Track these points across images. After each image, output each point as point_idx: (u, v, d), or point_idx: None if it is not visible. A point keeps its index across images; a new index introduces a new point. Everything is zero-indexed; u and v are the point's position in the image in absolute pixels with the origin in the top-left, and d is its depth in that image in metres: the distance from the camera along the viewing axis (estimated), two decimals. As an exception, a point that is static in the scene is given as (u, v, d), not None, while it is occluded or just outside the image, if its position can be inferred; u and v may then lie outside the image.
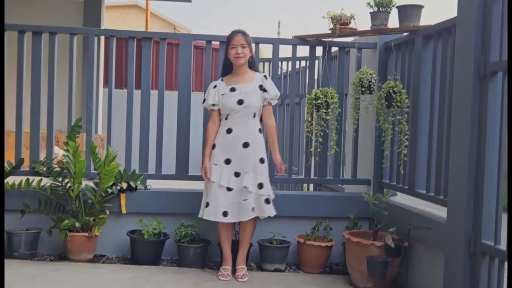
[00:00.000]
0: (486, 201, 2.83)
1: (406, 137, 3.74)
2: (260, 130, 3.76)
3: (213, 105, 3.75)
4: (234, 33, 3.73)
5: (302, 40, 4.27)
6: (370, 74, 3.96)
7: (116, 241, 4.12)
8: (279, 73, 6.98)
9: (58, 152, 6.39)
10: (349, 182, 4.37)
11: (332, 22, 4.04)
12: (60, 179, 3.93)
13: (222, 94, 3.72)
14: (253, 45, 3.90)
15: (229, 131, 3.71)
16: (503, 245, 2.70)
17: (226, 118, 3.74)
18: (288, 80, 7.06)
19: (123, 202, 4.07)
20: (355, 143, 4.33)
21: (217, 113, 3.78)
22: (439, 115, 3.40)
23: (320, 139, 4.14)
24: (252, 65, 3.79)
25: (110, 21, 14.56)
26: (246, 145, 3.68)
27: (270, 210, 3.71)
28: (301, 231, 4.18)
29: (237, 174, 3.67)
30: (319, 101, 4.00)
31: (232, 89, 3.72)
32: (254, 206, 3.66)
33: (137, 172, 4.12)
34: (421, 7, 3.75)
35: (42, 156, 4.21)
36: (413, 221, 3.47)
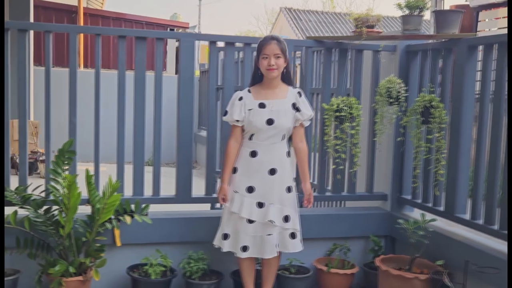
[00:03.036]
0: None
1: (443, 155, 3.43)
2: (288, 154, 3.27)
3: (237, 121, 3.18)
4: (267, 40, 3.14)
5: (317, 41, 3.78)
6: (399, 84, 3.59)
7: (111, 278, 3.49)
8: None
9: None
10: (365, 197, 4.02)
11: (357, 24, 3.59)
12: (42, 211, 3.23)
13: (249, 109, 3.16)
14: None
15: (253, 154, 3.19)
16: None
17: (250, 138, 3.20)
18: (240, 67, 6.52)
19: (117, 233, 3.44)
20: (372, 156, 3.96)
21: (241, 130, 3.21)
22: (491, 137, 3.10)
23: (343, 155, 3.72)
24: (287, 77, 3.24)
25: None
26: (272, 171, 3.18)
27: (295, 246, 3.26)
28: (316, 253, 3.80)
29: (260, 205, 3.17)
30: (342, 113, 3.57)
31: (261, 105, 3.16)
32: (278, 242, 3.21)
33: (129, 195, 3.51)
34: (461, 12, 3.40)
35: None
36: (462, 253, 3.20)
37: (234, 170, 3.23)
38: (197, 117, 10.46)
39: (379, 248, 3.77)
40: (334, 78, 4.08)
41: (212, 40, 3.60)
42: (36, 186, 3.35)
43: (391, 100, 3.57)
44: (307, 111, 3.24)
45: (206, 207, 4.94)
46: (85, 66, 10.02)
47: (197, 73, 11.56)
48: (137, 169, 3.57)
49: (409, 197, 3.88)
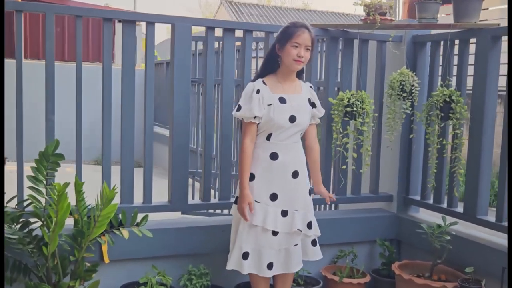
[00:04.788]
0: None
1: (461, 153, 3.22)
2: (304, 154, 2.94)
3: (255, 117, 2.76)
4: (300, 28, 2.74)
5: (322, 29, 3.45)
6: (412, 76, 3.33)
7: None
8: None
9: None
10: (371, 199, 3.74)
11: (369, 11, 3.29)
12: (17, 226, 2.70)
13: (269, 104, 2.76)
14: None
15: (274, 156, 2.79)
16: None
17: (268, 139, 2.80)
18: (198, 60, 6.17)
19: (104, 248, 2.97)
20: (377, 155, 3.69)
21: (256, 128, 2.80)
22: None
23: (354, 154, 3.42)
24: (300, 71, 2.88)
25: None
26: (295, 174, 2.82)
27: (316, 253, 2.95)
28: (322, 261, 3.45)
29: (284, 213, 2.81)
30: (354, 109, 3.27)
31: (282, 100, 2.78)
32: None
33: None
34: (482, 0, 3.18)
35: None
36: (490, 258, 2.99)
37: (251, 177, 2.81)
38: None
39: (391, 253, 3.51)
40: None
41: (210, 26, 3.19)
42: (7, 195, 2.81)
43: (404, 95, 3.31)
44: (321, 107, 2.96)
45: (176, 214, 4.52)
46: (25, 56, 9.11)
47: (142, 65, 10.96)
48: (125, 173, 3.10)
49: (417, 197, 3.65)
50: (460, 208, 3.32)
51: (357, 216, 3.66)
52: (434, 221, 3.40)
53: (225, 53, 3.24)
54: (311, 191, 2.93)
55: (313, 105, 2.89)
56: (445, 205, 3.41)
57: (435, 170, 3.35)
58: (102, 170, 3.06)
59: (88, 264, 2.75)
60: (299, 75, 2.89)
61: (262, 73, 2.86)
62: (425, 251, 3.43)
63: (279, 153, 2.78)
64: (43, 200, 2.68)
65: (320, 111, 2.94)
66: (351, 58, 3.54)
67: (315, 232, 2.91)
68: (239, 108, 2.80)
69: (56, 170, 2.62)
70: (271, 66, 2.83)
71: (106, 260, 2.97)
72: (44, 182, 2.63)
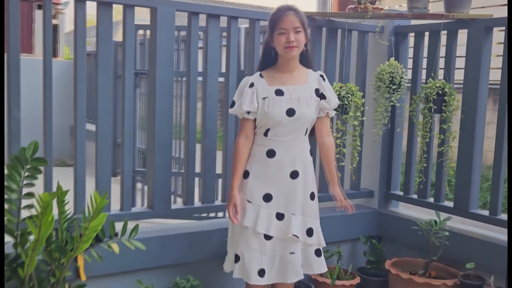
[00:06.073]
0: None
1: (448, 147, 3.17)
2: (311, 153, 2.69)
3: (248, 112, 2.53)
4: (283, 11, 2.49)
5: (308, 17, 3.23)
6: (401, 68, 3.23)
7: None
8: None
9: None
10: (352, 195, 3.57)
11: (359, 0, 3.13)
12: (-19, 244, 2.26)
13: (264, 98, 2.51)
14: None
15: (271, 153, 2.55)
16: None
17: (265, 134, 2.56)
18: (145, 48, 5.70)
19: (81, 263, 2.58)
20: (360, 150, 3.54)
21: (252, 124, 2.56)
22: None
23: (344, 150, 3.26)
24: (305, 58, 2.62)
25: None
26: (294, 174, 2.57)
27: (321, 265, 2.69)
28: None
29: (280, 216, 2.56)
30: (345, 102, 3.11)
31: (279, 92, 2.53)
32: (302, 261, 2.63)
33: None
34: (472, -9, 3.13)
35: None
36: (487, 253, 2.95)
37: (245, 175, 2.58)
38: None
39: (380, 251, 3.39)
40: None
41: (194, 11, 2.87)
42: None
43: (394, 87, 3.20)
44: (334, 98, 2.67)
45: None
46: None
47: (66, 56, 10.25)
48: (101, 178, 2.72)
49: (400, 192, 3.57)
50: (449, 202, 3.27)
51: (339, 213, 3.48)
52: (416, 216, 3.36)
53: (209, 42, 2.94)
54: (314, 195, 2.68)
55: (321, 96, 2.63)
56: (431, 200, 3.35)
57: (425, 164, 3.26)
58: (75, 175, 2.66)
59: (74, 286, 2.37)
60: (306, 63, 2.64)
61: (261, 67, 2.62)
62: (408, 247, 3.36)
63: (276, 150, 2.54)
64: (14, 213, 2.26)
65: (330, 103, 2.64)
66: (335, 49, 3.37)
67: (318, 241, 2.66)
68: (232, 104, 2.59)
69: (36, 178, 2.20)
70: (269, 59, 2.59)
71: (83, 277, 2.59)
72: (19, 192, 2.21)
